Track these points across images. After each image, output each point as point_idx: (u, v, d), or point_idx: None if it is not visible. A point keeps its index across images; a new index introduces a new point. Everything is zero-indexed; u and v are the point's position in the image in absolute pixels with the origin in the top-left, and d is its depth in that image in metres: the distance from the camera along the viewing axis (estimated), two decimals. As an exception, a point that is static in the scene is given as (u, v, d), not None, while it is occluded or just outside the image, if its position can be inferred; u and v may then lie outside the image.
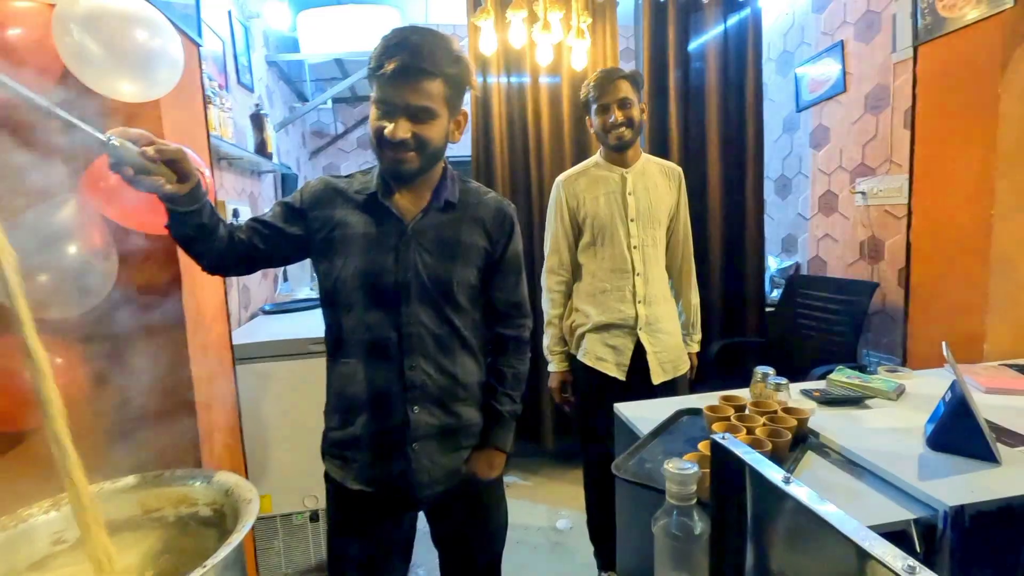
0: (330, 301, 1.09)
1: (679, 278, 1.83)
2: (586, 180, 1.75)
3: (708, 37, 2.56)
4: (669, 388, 1.71)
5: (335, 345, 1.09)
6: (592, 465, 1.86)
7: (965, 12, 1.63)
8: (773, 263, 3.06)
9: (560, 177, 1.80)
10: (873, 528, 0.50)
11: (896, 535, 0.87)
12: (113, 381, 1.20)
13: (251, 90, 2.64)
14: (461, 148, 4.18)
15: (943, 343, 1.03)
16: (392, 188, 1.07)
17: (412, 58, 0.94)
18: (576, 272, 1.80)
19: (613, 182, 1.72)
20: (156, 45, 1.06)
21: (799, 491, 0.63)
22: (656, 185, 1.74)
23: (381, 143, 1.00)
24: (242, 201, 2.40)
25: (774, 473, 0.68)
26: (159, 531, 0.63)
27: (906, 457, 1.00)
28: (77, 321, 1.17)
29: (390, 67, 0.94)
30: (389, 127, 0.97)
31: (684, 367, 1.78)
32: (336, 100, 3.73)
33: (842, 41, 2.55)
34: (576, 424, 2.07)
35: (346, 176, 1.13)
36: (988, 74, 1.60)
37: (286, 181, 3.04)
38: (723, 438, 0.76)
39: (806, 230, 2.93)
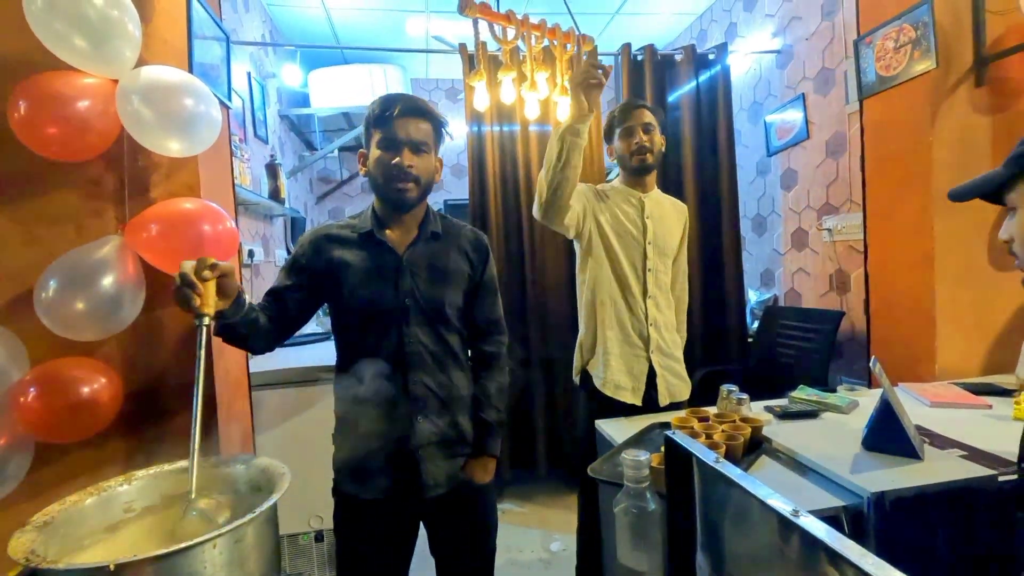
0: (341, 330, 1.25)
1: (675, 310, 1.82)
2: (610, 193, 1.75)
3: (683, 91, 2.82)
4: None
5: (346, 368, 1.21)
6: (589, 486, 1.76)
7: (899, 71, 1.86)
8: (753, 296, 3.23)
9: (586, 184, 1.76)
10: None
11: (829, 519, 1.00)
12: (146, 397, 1.35)
13: (266, 141, 2.88)
14: (459, 191, 4.44)
15: (872, 358, 1.18)
16: (385, 224, 1.24)
17: (411, 102, 1.18)
18: (592, 285, 1.75)
19: (633, 205, 1.74)
20: (200, 110, 1.26)
21: (728, 467, 0.79)
22: (668, 216, 1.77)
23: (389, 176, 1.17)
24: (256, 243, 2.60)
25: (708, 454, 0.83)
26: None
27: (843, 456, 1.14)
28: (116, 341, 1.33)
29: (396, 109, 1.16)
30: (397, 159, 1.16)
31: (686, 394, 1.76)
32: (342, 149, 3.99)
33: (803, 94, 2.80)
34: (583, 445, 1.94)
35: (336, 222, 1.29)
36: (922, 125, 1.82)
37: (295, 224, 3.25)
38: (673, 434, 0.92)
39: (781, 265, 3.12)
